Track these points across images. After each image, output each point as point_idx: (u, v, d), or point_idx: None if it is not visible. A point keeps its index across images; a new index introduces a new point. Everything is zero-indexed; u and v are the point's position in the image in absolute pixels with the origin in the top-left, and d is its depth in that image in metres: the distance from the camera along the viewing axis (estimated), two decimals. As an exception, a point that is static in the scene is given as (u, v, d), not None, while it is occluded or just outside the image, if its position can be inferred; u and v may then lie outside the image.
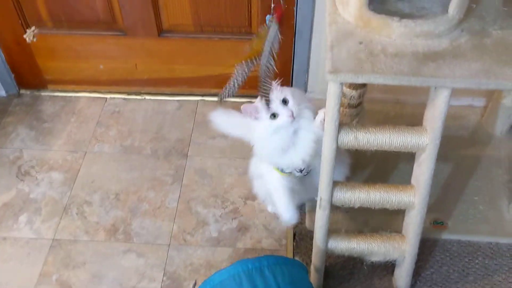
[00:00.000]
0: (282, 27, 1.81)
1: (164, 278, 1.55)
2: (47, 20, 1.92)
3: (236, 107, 2.10)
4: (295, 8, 1.78)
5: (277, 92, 1.37)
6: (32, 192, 1.79)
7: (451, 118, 1.96)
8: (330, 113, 1.24)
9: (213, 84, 2.08)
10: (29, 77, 2.10)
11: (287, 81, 2.02)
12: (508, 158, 1.86)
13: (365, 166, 1.80)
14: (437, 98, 1.22)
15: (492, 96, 1.96)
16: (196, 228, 1.68)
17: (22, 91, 2.15)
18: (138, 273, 1.57)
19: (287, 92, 1.38)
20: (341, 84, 1.19)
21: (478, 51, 1.22)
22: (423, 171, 1.32)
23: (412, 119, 2.01)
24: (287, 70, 1.99)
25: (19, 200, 1.77)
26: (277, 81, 1.40)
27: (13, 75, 2.09)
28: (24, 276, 1.57)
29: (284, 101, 1.36)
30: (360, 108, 1.68)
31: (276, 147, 1.41)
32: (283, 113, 1.35)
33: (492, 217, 1.69)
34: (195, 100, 2.12)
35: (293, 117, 1.35)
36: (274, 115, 1.37)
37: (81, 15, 1.90)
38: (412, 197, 1.36)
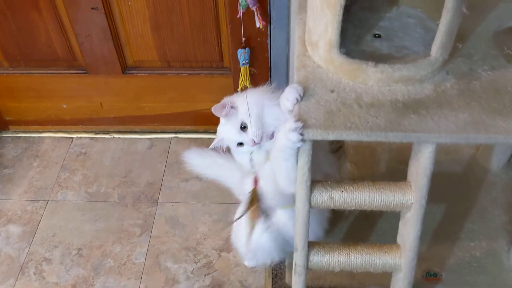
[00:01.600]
0: (257, 61, 1.69)
1: None
2: (2, 59, 1.78)
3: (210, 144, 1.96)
4: (268, 42, 1.64)
5: (233, 116, 1.22)
6: (-13, 250, 1.64)
7: (443, 152, 1.82)
8: (300, 172, 1.09)
9: (186, 121, 1.94)
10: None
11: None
12: (506, 196, 1.71)
13: (343, 218, 1.65)
14: (421, 153, 1.07)
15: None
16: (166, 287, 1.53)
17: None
18: None
19: (241, 111, 1.21)
20: (310, 141, 1.05)
21: (465, 97, 1.08)
22: (408, 231, 1.17)
23: (400, 155, 1.89)
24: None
25: (-28, 259, 1.62)
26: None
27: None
28: None
29: (244, 127, 1.21)
30: (340, 152, 1.53)
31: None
32: (245, 141, 1.21)
33: (490, 265, 1.53)
34: (168, 138, 1.98)
35: (256, 143, 1.20)
36: (241, 144, 1.22)
37: (39, 54, 1.76)
38: (398, 259, 1.21)
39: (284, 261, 1.56)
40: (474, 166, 1.81)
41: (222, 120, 1.24)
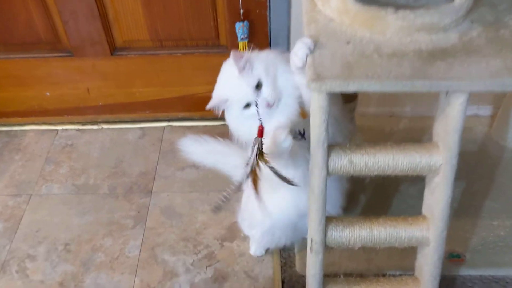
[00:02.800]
0: (256, 36, 1.57)
1: None
2: (-23, 44, 1.65)
3: (208, 131, 1.84)
4: (268, 13, 1.53)
5: (248, 72, 1.07)
6: (-36, 249, 1.48)
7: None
8: (316, 133, 0.98)
9: (181, 107, 1.81)
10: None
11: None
12: (525, 172, 1.61)
13: (358, 194, 1.53)
14: (451, 107, 0.96)
15: (501, 103, 1.71)
16: (163, 281, 1.39)
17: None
18: None
19: (258, 68, 1.07)
20: (328, 94, 0.93)
21: (495, 45, 0.97)
22: (437, 198, 1.05)
23: (410, 134, 1.78)
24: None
25: None
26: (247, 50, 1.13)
27: None
28: None
29: (258, 86, 1.07)
30: (351, 127, 1.41)
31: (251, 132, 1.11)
32: (259, 102, 1.07)
33: (517, 244, 1.42)
34: (161, 127, 1.84)
35: (270, 105, 1.07)
36: (247, 105, 1.08)
37: (18, 36, 1.63)
38: (426, 231, 1.09)
39: (294, 248, 1.44)
40: (489, 144, 1.71)
41: (228, 78, 1.10)
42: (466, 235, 1.45)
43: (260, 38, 1.57)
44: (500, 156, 1.66)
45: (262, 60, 1.08)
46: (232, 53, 1.06)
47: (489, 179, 1.59)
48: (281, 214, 1.25)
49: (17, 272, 1.42)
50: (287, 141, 1.02)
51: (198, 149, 1.59)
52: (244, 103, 1.08)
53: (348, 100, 1.34)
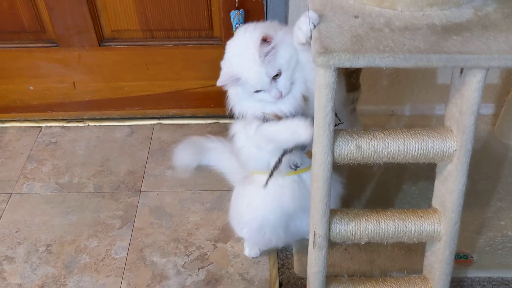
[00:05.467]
0: None
1: None
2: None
3: (199, 129, 1.76)
4: (265, 1, 1.46)
5: (270, 60, 0.98)
6: None
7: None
8: (321, 114, 0.90)
9: (171, 103, 1.73)
10: None
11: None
12: (531, 171, 1.54)
13: (360, 190, 1.45)
14: (466, 86, 0.89)
15: (504, 102, 1.66)
16: (152, 285, 1.28)
17: None
18: None
19: (282, 58, 0.98)
20: (335, 70, 0.85)
21: (513, 20, 0.91)
22: (450, 188, 0.98)
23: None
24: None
25: None
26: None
27: None
28: None
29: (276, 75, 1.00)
30: (353, 118, 1.34)
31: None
32: (271, 92, 1.01)
33: (526, 245, 1.34)
34: (150, 124, 1.75)
35: (282, 97, 1.01)
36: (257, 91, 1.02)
37: (0, 24, 1.54)
38: (437, 225, 1.01)
39: (291, 249, 1.35)
40: (493, 142, 1.65)
41: (244, 57, 1.00)
42: (473, 236, 1.37)
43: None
44: (505, 155, 1.60)
45: (286, 49, 0.99)
46: (260, 36, 0.97)
47: (494, 178, 1.52)
48: (265, 212, 1.16)
49: (-8, 274, 1.31)
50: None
51: (192, 155, 1.53)
52: (257, 89, 1.00)
53: (351, 89, 1.27)
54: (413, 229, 1.01)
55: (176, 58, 1.61)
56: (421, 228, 1.01)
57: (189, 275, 1.31)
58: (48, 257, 1.35)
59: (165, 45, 1.59)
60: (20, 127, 1.75)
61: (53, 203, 1.50)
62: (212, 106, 1.72)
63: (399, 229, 1.01)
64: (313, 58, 0.85)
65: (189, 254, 1.35)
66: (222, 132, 1.64)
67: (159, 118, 1.75)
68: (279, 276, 1.29)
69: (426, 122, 1.71)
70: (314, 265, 1.04)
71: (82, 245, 1.38)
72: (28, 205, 1.49)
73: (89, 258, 1.35)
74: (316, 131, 0.92)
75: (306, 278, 1.13)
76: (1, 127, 1.75)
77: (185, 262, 1.34)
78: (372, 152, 0.94)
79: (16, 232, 1.42)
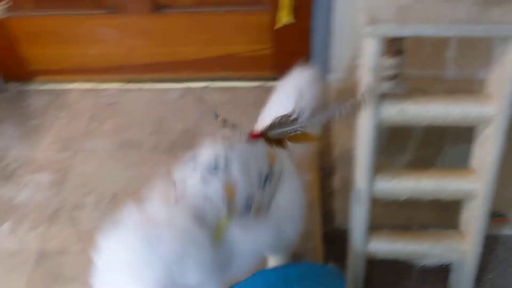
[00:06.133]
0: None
1: None
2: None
3: (247, 92, 1.85)
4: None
5: None
6: (16, 197, 1.54)
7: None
8: (367, 79, 0.97)
9: (220, 67, 1.82)
10: (14, 68, 1.86)
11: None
12: None
13: (401, 150, 1.52)
14: (506, 55, 0.94)
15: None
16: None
17: (8, 85, 1.91)
18: None
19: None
20: (381, 39, 0.92)
21: (556, -9, 0.94)
22: (488, 150, 1.05)
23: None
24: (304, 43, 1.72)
25: (1, 206, 1.53)
26: None
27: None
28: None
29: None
30: (397, 82, 1.39)
31: None
32: None
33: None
34: (201, 87, 1.86)
35: None
36: None
37: (63, -8, 1.66)
38: (474, 184, 1.09)
39: (334, 204, 1.45)
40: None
41: None
42: (508, 195, 1.43)
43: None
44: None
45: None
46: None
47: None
48: None
49: (67, 220, 1.48)
50: None
51: None
52: None
53: (394, 54, 1.32)
54: (451, 187, 1.09)
55: (226, 24, 1.69)
56: (459, 186, 1.09)
57: (240, 225, 1.43)
58: (113, 206, 1.51)
59: (216, 11, 1.67)
60: (81, 88, 1.89)
61: (116, 159, 1.64)
62: (258, 69, 1.81)
63: (438, 187, 1.09)
64: (361, 28, 0.92)
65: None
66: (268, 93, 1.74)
67: (209, 81, 1.86)
68: (322, 228, 1.40)
69: (469, 86, 1.73)
70: (357, 219, 1.14)
71: (143, 196, 1.53)
72: (93, 160, 1.65)
73: (150, 208, 1.50)
74: (362, 95, 1.00)
75: (348, 231, 1.24)
76: (65, 89, 1.90)
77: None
78: (415, 116, 1.02)
79: (84, 184, 1.58)
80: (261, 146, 0.98)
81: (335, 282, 1.05)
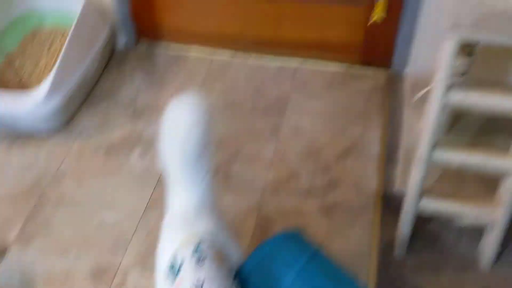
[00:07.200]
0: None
1: (257, 220, 1.68)
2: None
3: (338, 74, 2.19)
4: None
5: None
6: (145, 130, 1.98)
7: None
8: (442, 74, 1.27)
9: (312, 50, 2.18)
10: (147, 26, 2.29)
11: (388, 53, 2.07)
12: None
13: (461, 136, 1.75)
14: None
15: None
16: (289, 179, 1.79)
17: (140, 43, 2.35)
18: (233, 213, 1.70)
19: None
20: (459, 43, 1.21)
21: None
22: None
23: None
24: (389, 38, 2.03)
25: (133, 136, 1.96)
26: None
27: (134, 24, 2.29)
28: (134, 202, 1.76)
29: None
30: (465, 78, 1.68)
31: None
32: None
33: None
34: (295, 66, 2.21)
35: None
36: None
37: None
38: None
39: (395, 168, 1.76)
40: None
41: None
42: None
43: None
44: None
45: None
46: None
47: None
48: None
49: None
50: None
51: None
52: None
53: (466, 54, 1.61)
54: (496, 163, 1.35)
55: (326, 14, 2.04)
56: (502, 164, 1.35)
57: (316, 177, 1.79)
58: (218, 149, 1.90)
59: (320, 3, 2.03)
60: (197, 56, 2.30)
61: (224, 114, 2.03)
62: (347, 55, 2.15)
63: (487, 163, 1.36)
64: (443, 31, 1.22)
65: (317, 163, 1.83)
66: (352, 77, 2.09)
67: (303, 60, 2.22)
68: (383, 189, 1.74)
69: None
70: (414, 180, 1.45)
71: (242, 144, 1.92)
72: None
73: (246, 154, 1.88)
74: (437, 83, 1.30)
75: (405, 193, 1.53)
76: (185, 53, 2.31)
77: (314, 168, 1.81)
78: (475, 104, 1.30)
79: (196, 128, 1.99)
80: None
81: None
